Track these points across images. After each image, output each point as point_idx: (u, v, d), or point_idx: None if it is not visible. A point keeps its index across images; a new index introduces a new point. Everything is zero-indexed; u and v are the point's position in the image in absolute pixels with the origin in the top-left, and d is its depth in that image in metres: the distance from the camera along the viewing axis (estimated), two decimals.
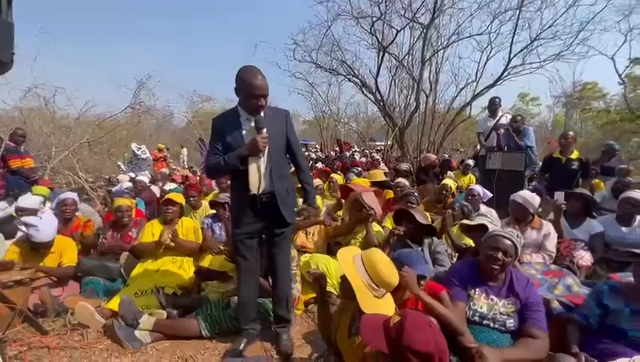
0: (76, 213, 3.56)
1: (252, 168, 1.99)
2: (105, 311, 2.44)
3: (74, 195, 3.54)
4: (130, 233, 3.19)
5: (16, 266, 2.45)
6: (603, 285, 1.77)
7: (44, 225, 2.58)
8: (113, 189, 5.19)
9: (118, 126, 9.39)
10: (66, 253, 2.75)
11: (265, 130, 1.96)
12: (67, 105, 9.85)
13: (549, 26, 7.64)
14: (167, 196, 3.16)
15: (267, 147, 1.99)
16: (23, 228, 2.63)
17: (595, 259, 2.78)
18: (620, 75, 9.97)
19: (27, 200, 3.26)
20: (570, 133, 4.35)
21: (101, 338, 2.24)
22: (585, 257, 2.74)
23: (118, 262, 2.99)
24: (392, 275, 1.49)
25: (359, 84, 9.80)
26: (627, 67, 10.52)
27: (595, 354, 1.56)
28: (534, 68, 8.10)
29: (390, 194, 4.26)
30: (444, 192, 3.89)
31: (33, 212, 2.98)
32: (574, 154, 4.11)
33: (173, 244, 2.79)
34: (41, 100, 9.29)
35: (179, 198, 3.12)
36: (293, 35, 9.55)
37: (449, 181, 4.06)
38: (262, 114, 1.99)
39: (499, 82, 8.06)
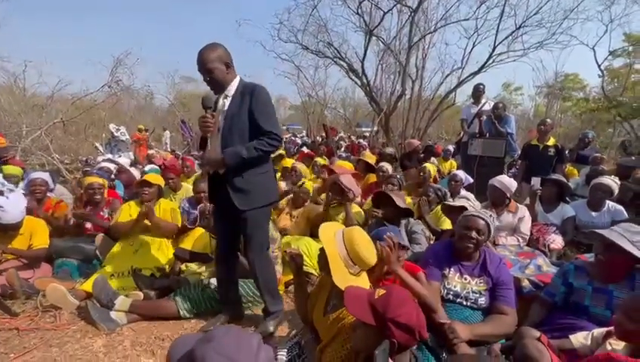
0: (49, 195, 3.43)
1: (207, 148, 1.91)
2: (79, 292, 2.38)
3: (45, 175, 3.39)
4: (101, 212, 3.10)
5: None
6: (569, 264, 1.84)
7: (11, 206, 2.46)
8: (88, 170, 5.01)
9: (95, 105, 8.97)
10: (37, 235, 2.64)
11: (212, 109, 1.90)
12: (39, 83, 9.35)
13: (535, 13, 7.69)
14: (143, 177, 3.07)
15: (219, 128, 1.91)
16: None
17: (566, 242, 2.91)
18: (599, 66, 10.20)
19: None
20: (548, 120, 4.45)
21: (75, 320, 2.20)
22: (556, 240, 2.86)
23: (94, 243, 2.90)
24: (370, 254, 1.50)
25: (346, 67, 9.66)
26: (605, 58, 10.80)
27: (558, 329, 1.64)
28: (518, 56, 8.18)
29: (373, 178, 4.28)
30: (421, 175, 3.94)
31: (1, 191, 2.83)
32: (551, 141, 4.23)
33: (149, 222, 2.72)
34: (10, 76, 8.78)
35: (155, 179, 3.03)
36: (278, 13, 9.20)
37: (429, 165, 4.11)
38: (229, 91, 1.93)
39: (483, 69, 8.10)
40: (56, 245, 2.80)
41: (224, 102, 1.94)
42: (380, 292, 1.22)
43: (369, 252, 1.50)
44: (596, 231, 1.69)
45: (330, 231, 1.55)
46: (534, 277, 2.10)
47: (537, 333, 1.41)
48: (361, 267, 1.49)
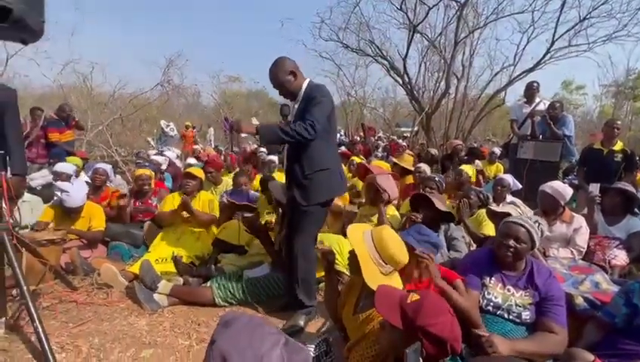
0: (108, 184, 3.78)
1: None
2: (128, 273, 2.59)
3: (107, 166, 3.76)
4: (149, 200, 3.37)
5: (50, 227, 2.65)
6: (634, 283, 1.63)
7: (75, 191, 2.76)
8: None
9: (148, 103, 9.74)
10: (95, 219, 2.94)
11: (288, 116, 2.01)
12: (103, 83, 10.35)
13: (603, 3, 6.88)
14: (187, 170, 3.27)
15: None
16: (58, 192, 2.83)
17: (631, 259, 2.58)
18: None
19: (62, 166, 3.53)
20: (618, 121, 3.97)
21: (123, 298, 2.39)
22: (619, 256, 2.55)
23: (142, 229, 3.15)
24: (401, 253, 1.45)
25: (387, 65, 9.45)
26: None
27: (618, 354, 1.46)
28: (581, 51, 7.41)
29: (410, 179, 4.14)
30: (457, 177, 3.72)
31: (67, 177, 3.19)
32: (617, 146, 3.76)
33: (186, 214, 2.89)
34: (80, 77, 9.81)
35: (198, 173, 3.22)
36: (319, 12, 9.26)
37: (466, 167, 3.87)
38: (299, 97, 2.06)
39: (539, 66, 7.46)
40: (111, 229, 3.08)
41: (294, 108, 2.10)
42: (414, 297, 1.17)
43: (400, 250, 1.45)
44: None
45: (359, 232, 1.53)
46: (590, 294, 1.88)
47: (591, 357, 1.26)
48: (393, 266, 1.45)
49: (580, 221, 2.59)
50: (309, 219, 2.12)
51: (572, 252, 2.50)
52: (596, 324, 1.67)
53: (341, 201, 3.35)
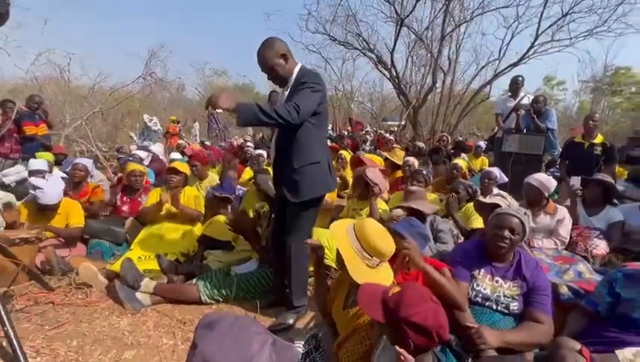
0: (89, 180, 3.62)
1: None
2: (109, 272, 2.48)
3: (88, 161, 3.60)
4: (139, 198, 3.25)
5: (24, 226, 2.51)
6: (617, 272, 1.66)
7: (50, 188, 2.62)
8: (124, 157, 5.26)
9: (130, 96, 9.41)
10: (73, 216, 2.81)
11: (278, 103, 1.92)
12: (81, 75, 9.93)
13: None
14: (171, 164, 3.17)
15: None
16: (31, 189, 2.69)
17: (611, 248, 2.66)
18: None
19: (36, 163, 3.36)
20: (596, 114, 4.08)
21: (103, 298, 2.29)
22: (600, 246, 2.63)
23: (124, 226, 3.04)
24: (385, 243, 1.42)
25: (374, 59, 9.44)
26: None
27: (602, 342, 1.49)
28: (563, 46, 7.57)
29: (399, 173, 4.15)
30: (454, 172, 3.75)
31: (43, 173, 3.04)
32: (598, 139, 3.86)
33: (174, 209, 2.80)
34: (56, 68, 9.38)
35: (183, 168, 3.12)
36: (307, 4, 9.14)
37: (460, 161, 3.90)
38: (290, 82, 1.93)
39: (523, 60, 7.60)
40: (91, 226, 2.95)
41: (284, 95, 1.96)
42: (395, 289, 1.16)
43: (383, 241, 1.42)
44: None
45: (342, 228, 1.49)
46: (574, 283, 1.93)
47: (578, 345, 1.28)
48: (379, 258, 1.42)
49: (563, 212, 2.65)
50: (302, 218, 2.00)
51: (555, 242, 2.56)
52: (580, 313, 1.70)
53: (328, 196, 3.31)
